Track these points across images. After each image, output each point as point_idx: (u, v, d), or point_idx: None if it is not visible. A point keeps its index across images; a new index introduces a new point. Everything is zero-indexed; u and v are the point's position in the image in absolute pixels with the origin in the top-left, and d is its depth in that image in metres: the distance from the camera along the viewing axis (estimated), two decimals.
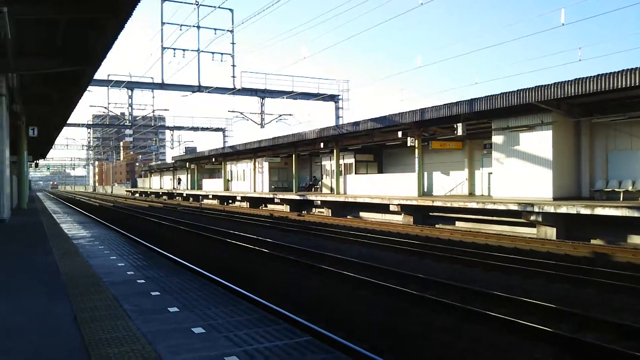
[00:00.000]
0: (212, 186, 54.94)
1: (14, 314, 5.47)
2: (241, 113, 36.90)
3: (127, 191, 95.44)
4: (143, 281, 7.19)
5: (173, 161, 65.94)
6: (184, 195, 57.50)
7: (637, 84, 14.90)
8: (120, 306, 5.70)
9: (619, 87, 15.33)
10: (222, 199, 47.85)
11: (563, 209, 16.30)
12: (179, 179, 66.34)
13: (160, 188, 77.15)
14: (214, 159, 51.74)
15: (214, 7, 28.27)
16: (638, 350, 5.90)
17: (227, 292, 6.84)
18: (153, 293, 6.40)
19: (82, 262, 8.98)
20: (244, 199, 42.19)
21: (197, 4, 28.74)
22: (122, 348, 4.26)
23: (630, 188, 18.24)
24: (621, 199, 18.02)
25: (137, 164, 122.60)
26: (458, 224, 22.26)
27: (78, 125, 53.05)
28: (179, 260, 11.53)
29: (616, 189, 18.55)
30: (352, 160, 34.17)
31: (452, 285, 9.33)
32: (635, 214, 14.52)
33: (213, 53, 32.23)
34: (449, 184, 28.07)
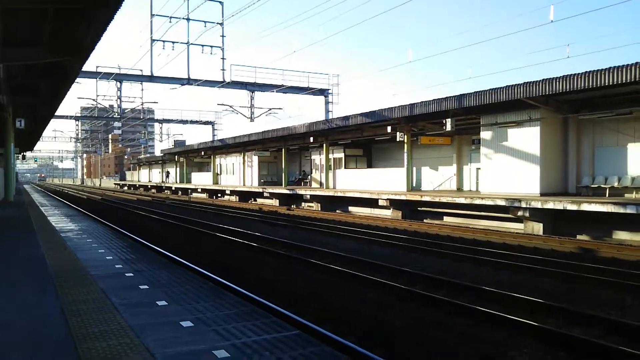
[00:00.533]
0: (201, 180, 54.76)
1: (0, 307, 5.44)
2: (231, 106, 36.72)
3: (115, 184, 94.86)
4: (131, 275, 7.17)
5: (162, 154, 65.59)
6: (173, 188, 57.27)
7: (623, 82, 15.04)
8: (108, 299, 5.69)
9: (606, 84, 15.47)
10: (211, 193, 47.71)
11: (550, 205, 16.44)
12: (168, 172, 66.01)
13: (149, 181, 76.78)
14: (203, 153, 51.54)
15: None
16: (623, 344, 5.99)
17: (215, 285, 6.84)
18: (141, 286, 6.38)
19: (70, 255, 8.93)
20: (233, 192, 42.10)
21: None
22: (110, 341, 4.26)
23: (616, 184, 18.43)
24: (607, 195, 18.21)
25: (126, 156, 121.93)
26: (446, 219, 22.38)
27: (66, 117, 52.61)
28: (168, 254, 11.50)
29: (602, 185, 18.73)
30: (342, 155, 34.19)
31: (441, 280, 9.39)
32: (621, 210, 14.70)
33: (203, 46, 32.13)
34: (437, 179, 28.20)
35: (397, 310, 7.67)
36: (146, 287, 6.37)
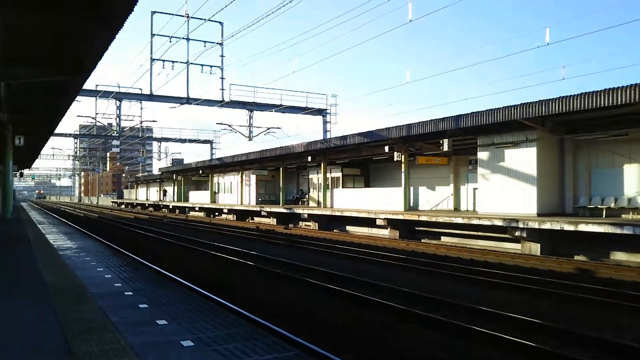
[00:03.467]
0: (198, 198, 54.72)
1: None
2: (229, 125, 36.89)
3: (112, 202, 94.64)
4: (131, 293, 7.18)
5: (160, 172, 65.61)
6: (170, 207, 57.19)
7: (619, 103, 15.20)
8: (108, 318, 5.70)
9: (602, 105, 15.63)
10: (209, 211, 47.66)
11: (547, 225, 16.50)
12: (165, 191, 65.95)
13: (147, 199, 76.65)
14: (201, 171, 51.58)
15: (204, 19, 28.46)
16: None
17: (215, 305, 6.86)
18: (141, 305, 6.40)
19: (68, 273, 8.94)
20: (230, 211, 42.07)
21: (187, 17, 28.85)
22: None
23: (612, 205, 18.51)
24: (604, 216, 18.27)
25: (124, 175, 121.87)
26: (443, 238, 22.39)
27: (65, 135, 52.74)
28: (166, 273, 11.49)
29: (599, 206, 18.81)
30: (339, 174, 34.29)
31: (438, 300, 9.40)
32: (618, 230, 14.75)
33: (202, 65, 32.30)
34: (434, 199, 28.26)
35: (395, 331, 7.67)
36: (146, 306, 6.39)
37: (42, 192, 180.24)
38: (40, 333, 5.12)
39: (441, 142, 21.91)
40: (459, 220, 19.95)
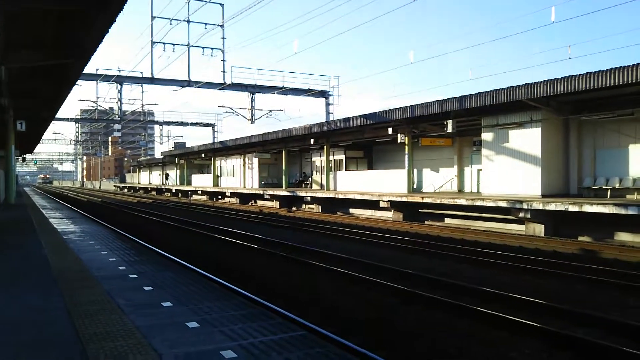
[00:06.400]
0: (201, 182, 54.76)
1: (6, 309, 5.44)
2: (231, 108, 36.80)
3: (115, 186, 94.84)
4: (135, 276, 7.18)
5: (162, 156, 65.60)
6: (173, 190, 57.26)
7: (624, 83, 15.06)
8: (113, 301, 5.70)
9: (607, 85, 15.49)
10: (212, 195, 47.71)
11: (551, 206, 16.44)
12: (167, 175, 66.03)
13: (149, 183, 76.76)
14: (203, 155, 51.54)
15: (205, 1, 28.24)
16: (626, 345, 6.00)
17: (219, 287, 6.86)
18: (146, 288, 6.40)
19: (73, 257, 8.94)
20: (233, 194, 42.11)
21: None
22: (117, 342, 4.27)
23: (617, 185, 18.43)
24: (608, 197, 18.21)
25: (126, 159, 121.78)
26: (447, 220, 22.38)
27: (66, 119, 52.69)
28: (170, 256, 11.49)
29: (604, 187, 18.73)
30: (343, 157, 34.21)
31: (443, 282, 9.39)
32: (622, 211, 14.70)
33: (203, 48, 32.15)
34: (438, 181, 28.21)
35: (400, 312, 7.67)
36: (150, 288, 6.38)
37: (47, 176, 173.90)
38: (46, 316, 5.11)
39: (445, 123, 21.79)
40: (463, 202, 19.91)
